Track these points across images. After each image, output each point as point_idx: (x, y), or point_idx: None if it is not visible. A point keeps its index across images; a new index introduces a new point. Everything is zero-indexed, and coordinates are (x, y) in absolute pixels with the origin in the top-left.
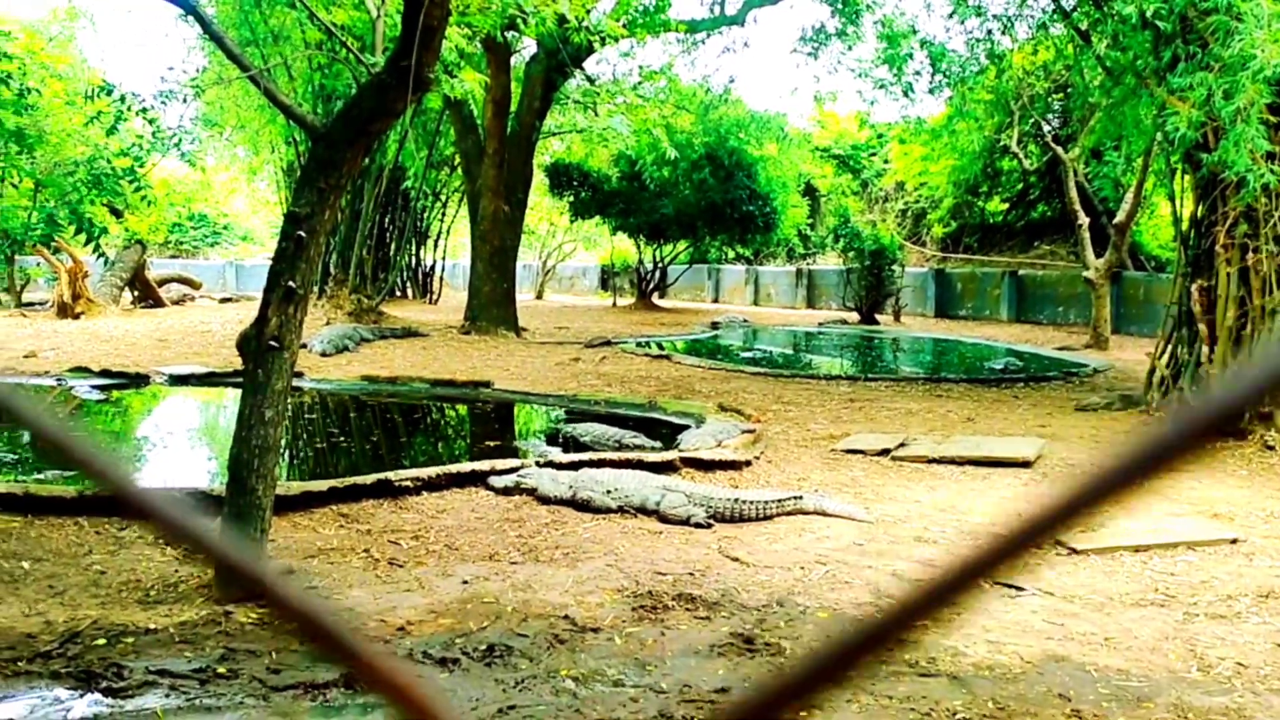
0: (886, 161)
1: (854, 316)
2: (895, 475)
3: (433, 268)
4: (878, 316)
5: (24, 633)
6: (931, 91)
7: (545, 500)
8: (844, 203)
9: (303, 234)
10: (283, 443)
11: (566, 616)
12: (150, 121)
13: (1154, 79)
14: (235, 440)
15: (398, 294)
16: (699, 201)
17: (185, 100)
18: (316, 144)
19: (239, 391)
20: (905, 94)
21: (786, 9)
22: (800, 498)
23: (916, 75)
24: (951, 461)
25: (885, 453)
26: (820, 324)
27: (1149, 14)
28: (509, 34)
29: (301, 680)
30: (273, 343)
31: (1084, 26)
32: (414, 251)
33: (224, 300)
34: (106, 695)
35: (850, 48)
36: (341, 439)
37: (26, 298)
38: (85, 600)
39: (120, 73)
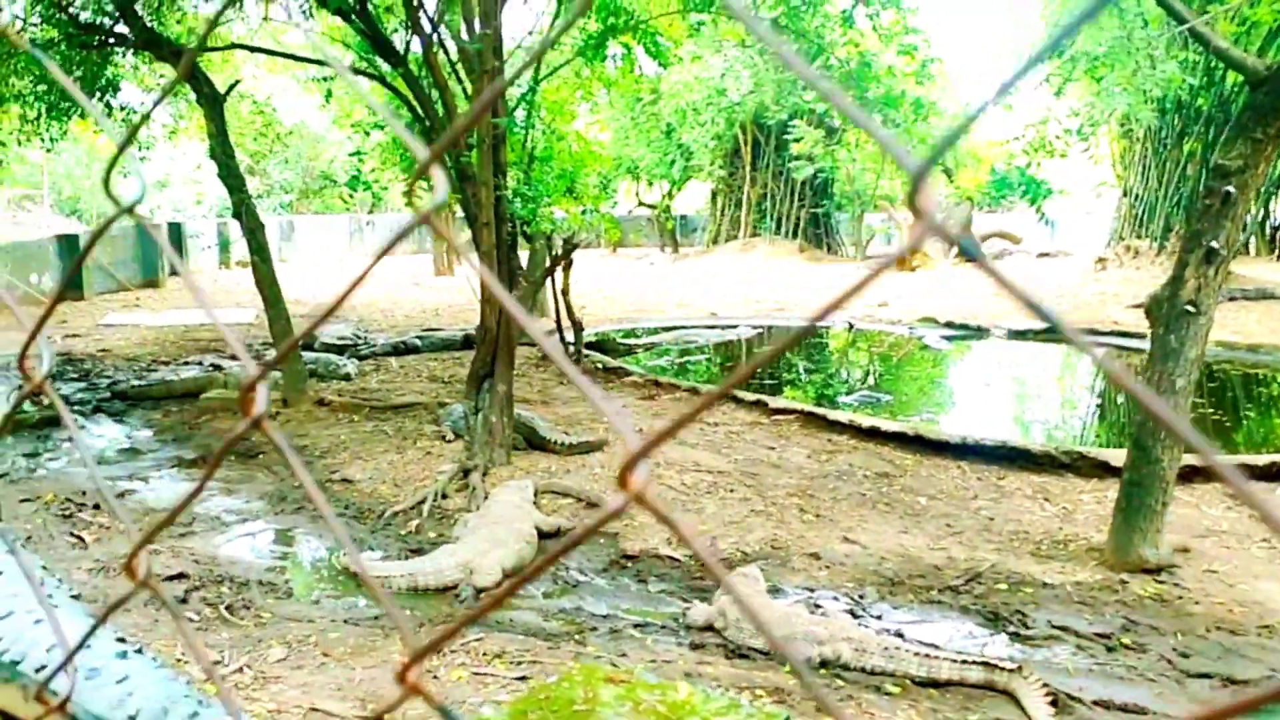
0: None
1: None
2: None
3: None
4: None
5: (931, 564)
6: None
7: None
8: None
9: (1231, 189)
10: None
11: None
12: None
13: None
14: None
15: (1239, 251)
16: None
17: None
18: (1255, 90)
19: (1073, 351)
20: None
21: None
22: None
23: None
24: None
25: None
26: None
27: None
28: None
29: (1217, 671)
30: (1189, 307)
31: None
32: (1265, 204)
33: (1041, 255)
34: (1014, 639)
35: None
36: (1203, 407)
37: (868, 252)
38: (979, 543)
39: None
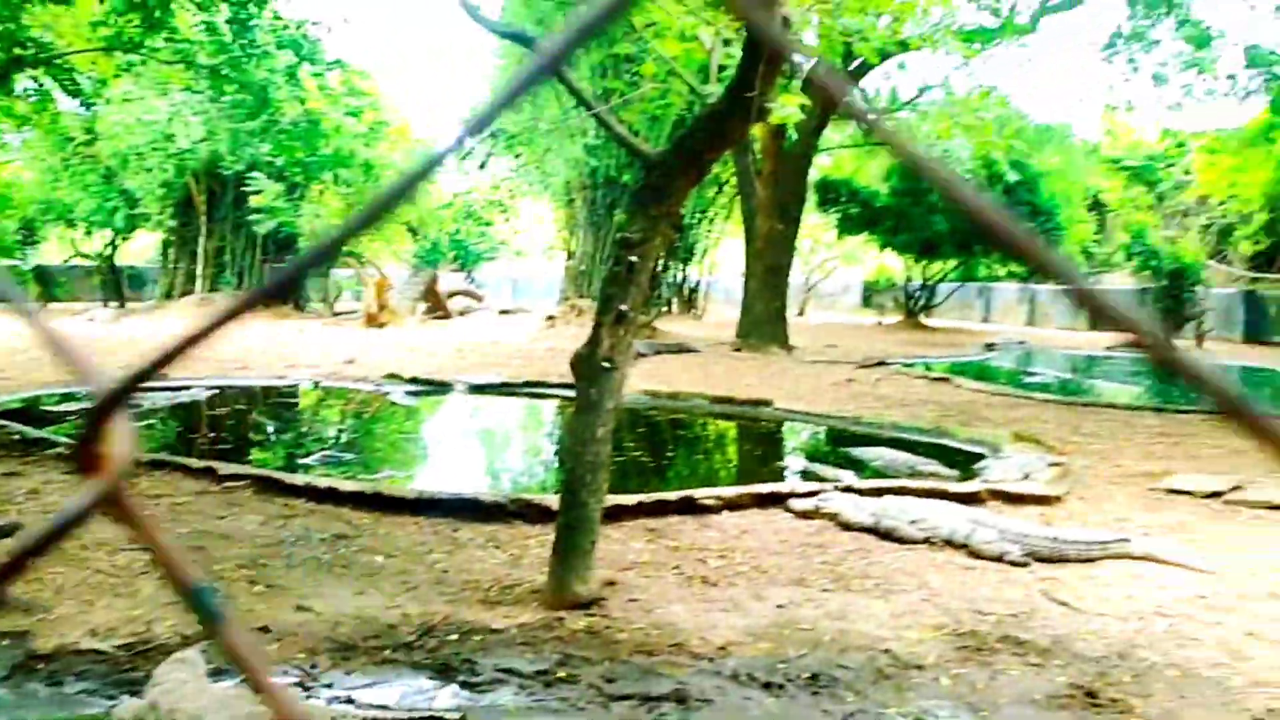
0: (1187, 173)
1: None
2: (1232, 521)
3: (698, 284)
4: (1177, 341)
5: (387, 623)
6: (1246, 96)
7: (846, 526)
8: (1137, 218)
9: (635, 259)
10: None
11: (887, 650)
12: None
13: None
14: (569, 456)
15: (663, 310)
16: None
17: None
18: (650, 172)
19: (533, 401)
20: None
21: (1080, 14)
22: (1127, 540)
23: (1230, 79)
24: None
25: (1216, 495)
26: (1108, 348)
27: None
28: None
29: (636, 691)
30: (605, 363)
31: None
32: (681, 268)
33: (503, 312)
34: (463, 688)
35: (1149, 50)
36: (633, 451)
37: (337, 308)
38: (434, 597)
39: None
